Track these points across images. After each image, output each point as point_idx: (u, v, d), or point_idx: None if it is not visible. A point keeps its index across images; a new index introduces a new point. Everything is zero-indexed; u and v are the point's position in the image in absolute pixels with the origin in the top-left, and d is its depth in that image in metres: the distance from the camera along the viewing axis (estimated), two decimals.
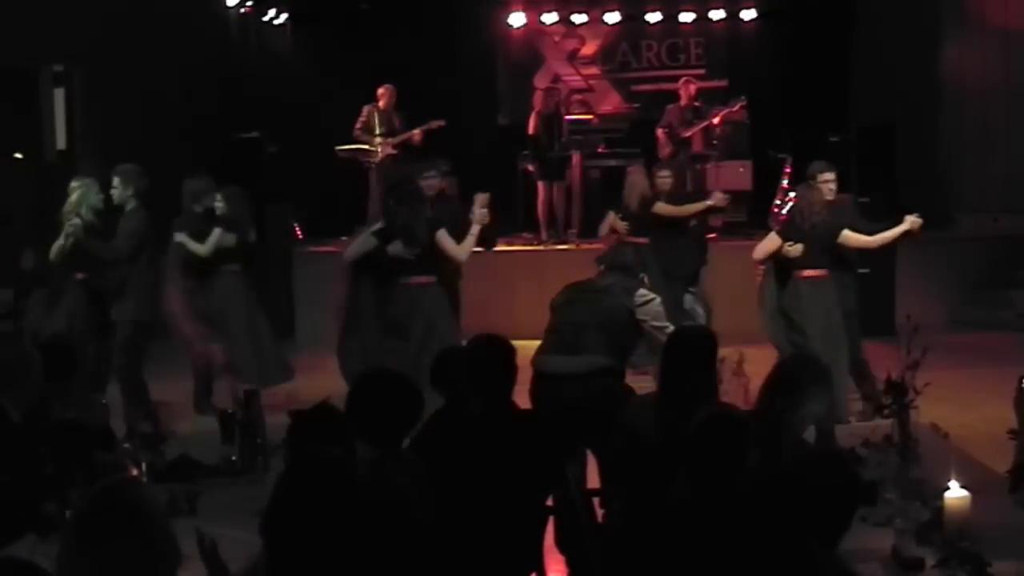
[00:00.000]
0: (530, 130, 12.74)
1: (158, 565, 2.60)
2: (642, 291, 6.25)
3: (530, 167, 12.80)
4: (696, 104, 12.52)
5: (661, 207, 9.77)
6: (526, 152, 13.01)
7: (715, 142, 12.55)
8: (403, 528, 3.46)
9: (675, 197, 10.02)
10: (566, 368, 5.76)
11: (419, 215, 7.62)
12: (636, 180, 9.95)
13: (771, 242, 7.84)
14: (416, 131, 12.34)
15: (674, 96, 12.70)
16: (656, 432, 4.32)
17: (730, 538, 3.27)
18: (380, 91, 12.44)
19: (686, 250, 10.05)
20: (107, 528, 2.56)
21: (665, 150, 12.34)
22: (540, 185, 12.69)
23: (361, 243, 7.73)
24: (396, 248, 7.49)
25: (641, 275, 6.47)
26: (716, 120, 12.39)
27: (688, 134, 12.31)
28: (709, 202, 10.06)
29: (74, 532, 2.61)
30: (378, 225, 7.73)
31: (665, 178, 9.87)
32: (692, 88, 12.60)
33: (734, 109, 12.64)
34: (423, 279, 7.53)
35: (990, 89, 13.39)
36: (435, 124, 12.32)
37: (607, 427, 4.81)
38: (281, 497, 2.98)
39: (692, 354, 4.62)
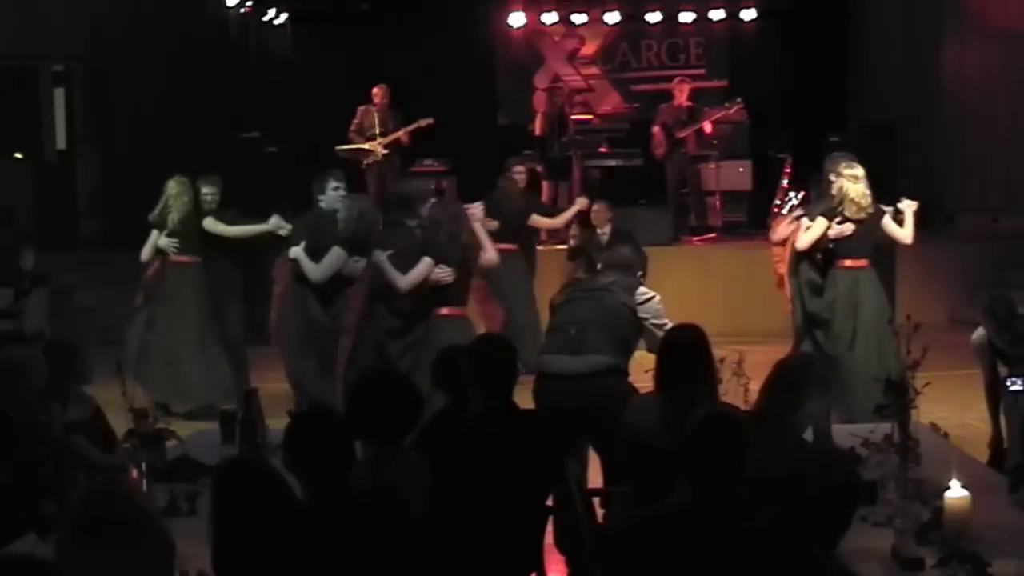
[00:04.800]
0: (537, 131, 12.74)
1: (152, 561, 2.61)
2: (642, 289, 6.23)
3: (539, 167, 12.81)
4: (690, 104, 12.53)
5: (537, 220, 10.19)
6: (528, 152, 13.00)
7: (715, 142, 12.55)
8: (403, 527, 3.46)
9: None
10: (571, 368, 5.70)
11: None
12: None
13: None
14: (403, 131, 12.35)
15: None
16: (658, 432, 4.32)
17: (729, 538, 3.27)
18: (375, 91, 12.46)
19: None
20: (100, 525, 2.58)
21: (660, 149, 12.35)
22: (546, 185, 12.69)
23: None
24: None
25: (640, 273, 6.45)
26: (708, 127, 12.40)
27: (683, 135, 12.31)
28: (577, 207, 10.34)
29: (69, 531, 2.63)
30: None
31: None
32: (686, 88, 12.62)
33: (730, 111, 12.65)
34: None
35: (990, 89, 13.36)
36: (424, 123, 12.34)
37: (612, 427, 4.81)
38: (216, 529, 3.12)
39: (687, 353, 4.61)
